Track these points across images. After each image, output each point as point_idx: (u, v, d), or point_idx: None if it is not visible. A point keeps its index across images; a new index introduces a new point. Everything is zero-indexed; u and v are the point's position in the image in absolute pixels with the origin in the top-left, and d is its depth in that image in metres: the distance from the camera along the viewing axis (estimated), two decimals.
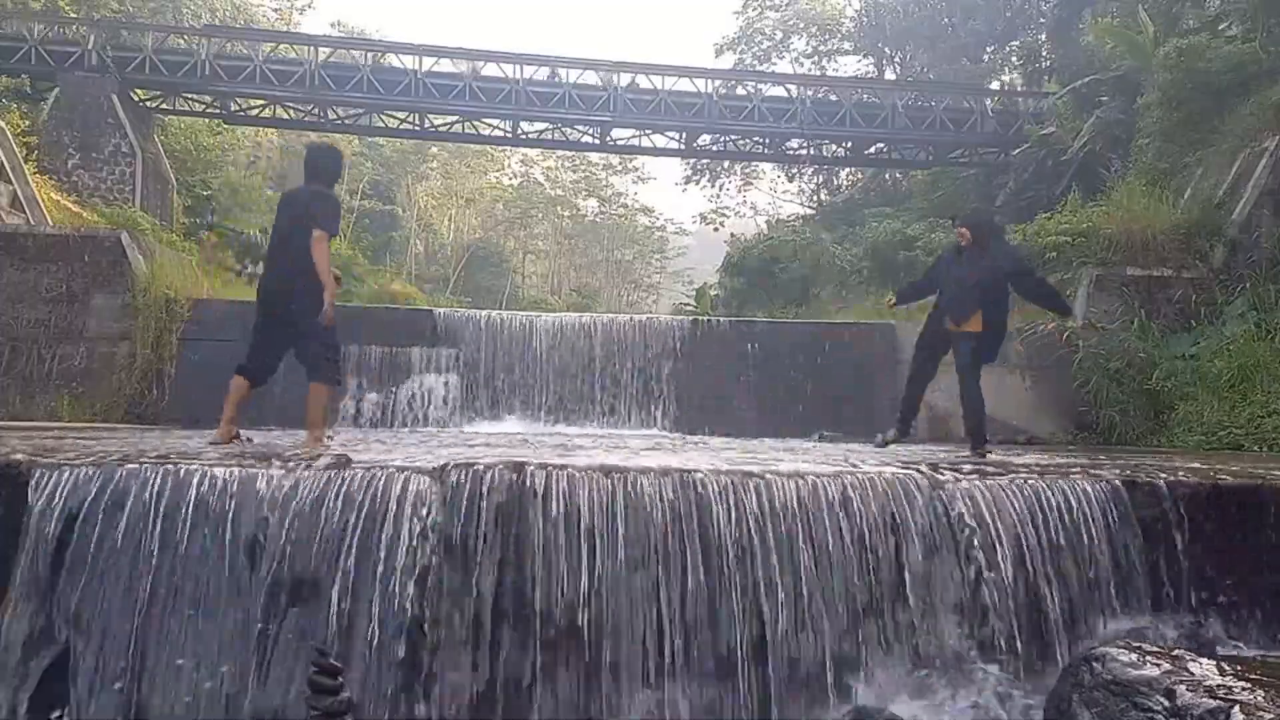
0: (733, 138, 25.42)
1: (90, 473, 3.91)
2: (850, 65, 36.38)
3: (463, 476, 4.01)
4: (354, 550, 3.81)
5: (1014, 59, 28.83)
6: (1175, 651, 3.76)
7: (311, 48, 22.53)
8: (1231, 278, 12.41)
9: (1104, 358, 11.41)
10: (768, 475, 4.25)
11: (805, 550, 4.08)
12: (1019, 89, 26.41)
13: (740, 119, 23.33)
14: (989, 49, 29.91)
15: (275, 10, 37.83)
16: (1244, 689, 3.26)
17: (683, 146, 26.07)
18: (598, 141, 25.98)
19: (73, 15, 23.23)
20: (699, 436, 10.75)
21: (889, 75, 33.21)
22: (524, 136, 26.03)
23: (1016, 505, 4.39)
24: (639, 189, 61.79)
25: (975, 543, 4.25)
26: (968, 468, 4.89)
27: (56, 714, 3.61)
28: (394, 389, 11.91)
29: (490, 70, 22.72)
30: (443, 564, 3.85)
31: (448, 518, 3.90)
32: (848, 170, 34.38)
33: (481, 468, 4.05)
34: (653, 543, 3.96)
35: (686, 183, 38.49)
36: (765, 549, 4.02)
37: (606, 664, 3.80)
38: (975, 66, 29.61)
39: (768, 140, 25.03)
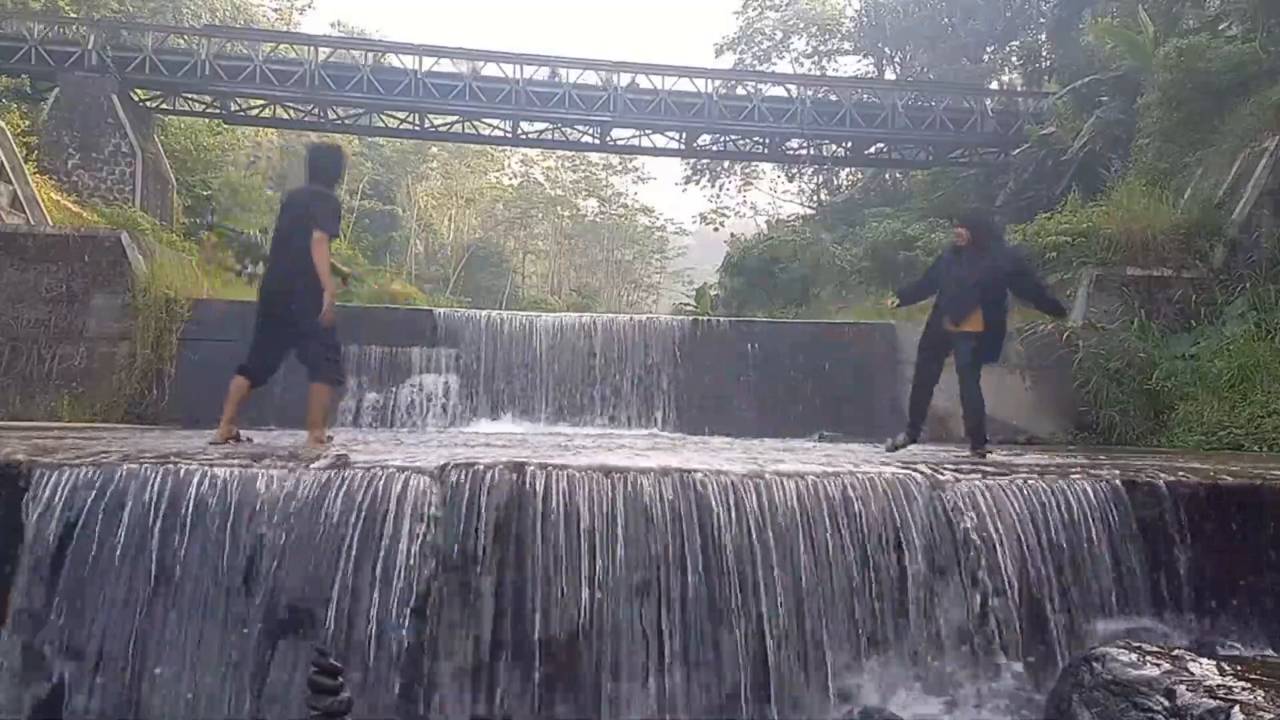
0: (733, 138, 25.42)
1: (90, 473, 3.91)
2: (850, 65, 36.42)
3: (463, 476, 4.01)
4: (354, 550, 3.81)
5: (1014, 59, 28.82)
6: (1175, 651, 3.77)
7: (311, 48, 22.52)
8: (1231, 278, 12.41)
9: (1104, 358, 11.41)
10: (768, 475, 4.25)
11: (805, 550, 4.08)
12: (1019, 89, 26.40)
13: (740, 119, 23.33)
14: (989, 49, 29.90)
15: (275, 10, 37.83)
16: (1244, 689, 3.26)
17: (683, 146, 26.07)
18: (598, 141, 25.98)
19: (73, 15, 23.23)
20: (699, 437, 10.75)
21: (889, 75, 33.21)
22: (524, 136, 26.03)
23: (1016, 505, 4.39)
24: (639, 189, 61.82)
25: (975, 543, 4.25)
26: (968, 468, 4.89)
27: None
28: (394, 389, 11.91)
29: (490, 70, 22.72)
30: (442, 564, 3.85)
31: (448, 518, 3.91)
32: (848, 170, 34.36)
33: (481, 468, 4.05)
34: (652, 543, 3.96)
35: (686, 183, 38.51)
36: (765, 549, 4.03)
37: (607, 663, 3.80)
38: (975, 66, 29.61)
39: (768, 140, 25.02)
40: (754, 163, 35.05)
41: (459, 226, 47.29)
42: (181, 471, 3.93)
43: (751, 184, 40.41)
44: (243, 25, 30.54)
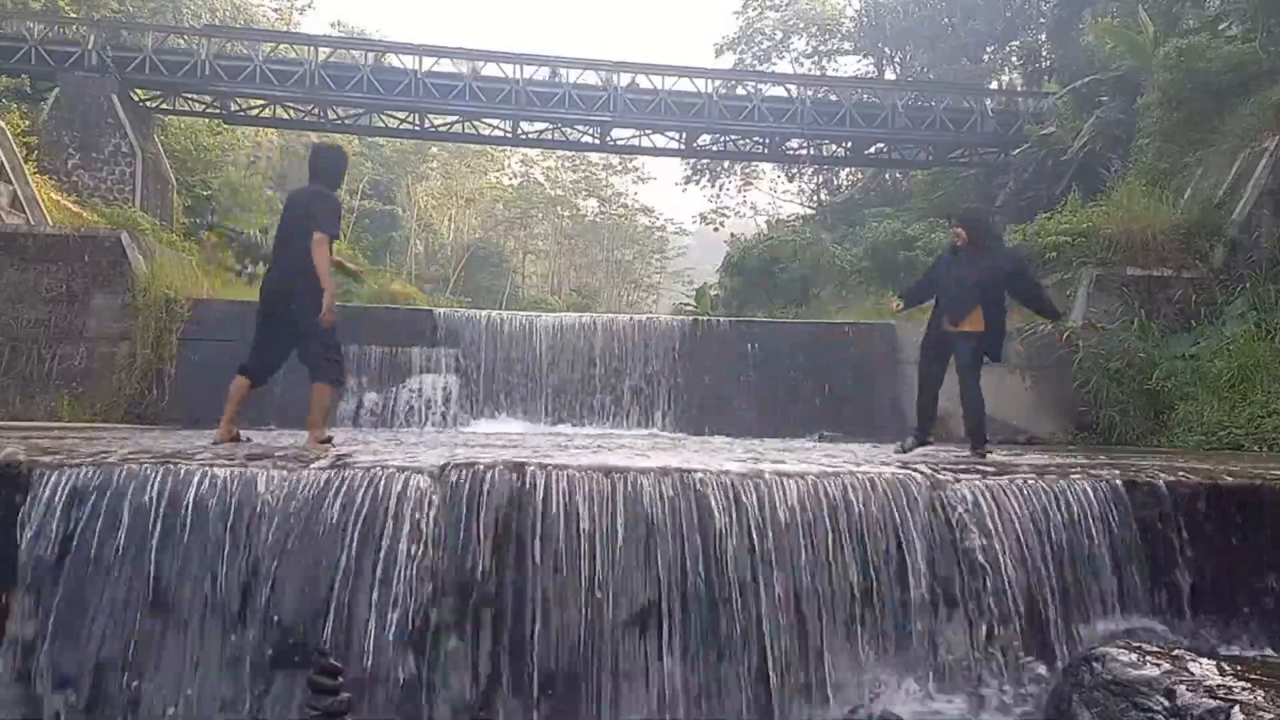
0: (733, 138, 25.42)
1: (90, 473, 3.91)
2: (850, 65, 36.43)
3: (463, 476, 4.01)
4: (354, 550, 3.81)
5: (1014, 59, 28.83)
6: (1175, 651, 3.77)
7: (311, 48, 22.53)
8: (1231, 278, 12.41)
9: (1104, 358, 11.41)
10: (767, 475, 4.25)
11: (805, 550, 4.08)
12: (1019, 89, 26.40)
13: (740, 119, 23.33)
14: (989, 49, 29.91)
15: (275, 10, 37.83)
16: (1244, 689, 3.26)
17: (683, 146, 26.07)
18: (598, 141, 25.98)
19: (73, 15, 23.22)
20: (699, 437, 10.75)
21: (889, 75, 33.21)
22: (524, 136, 26.03)
23: (1016, 506, 4.39)
24: (639, 189, 61.75)
25: (975, 543, 4.25)
26: (968, 468, 4.89)
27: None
28: (394, 389, 11.92)
29: (490, 70, 22.72)
30: (442, 564, 3.85)
31: (448, 518, 3.91)
32: (848, 170, 34.37)
33: (481, 468, 4.05)
34: (652, 543, 3.96)
35: (686, 183, 38.52)
36: (765, 549, 4.02)
37: (607, 663, 3.80)
38: (975, 66, 29.61)
39: (768, 140, 25.02)
40: (754, 163, 35.04)
41: (459, 226, 47.28)
42: (181, 471, 3.93)
43: (751, 184, 40.45)
44: (243, 25, 30.54)
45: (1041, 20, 27.04)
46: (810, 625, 3.98)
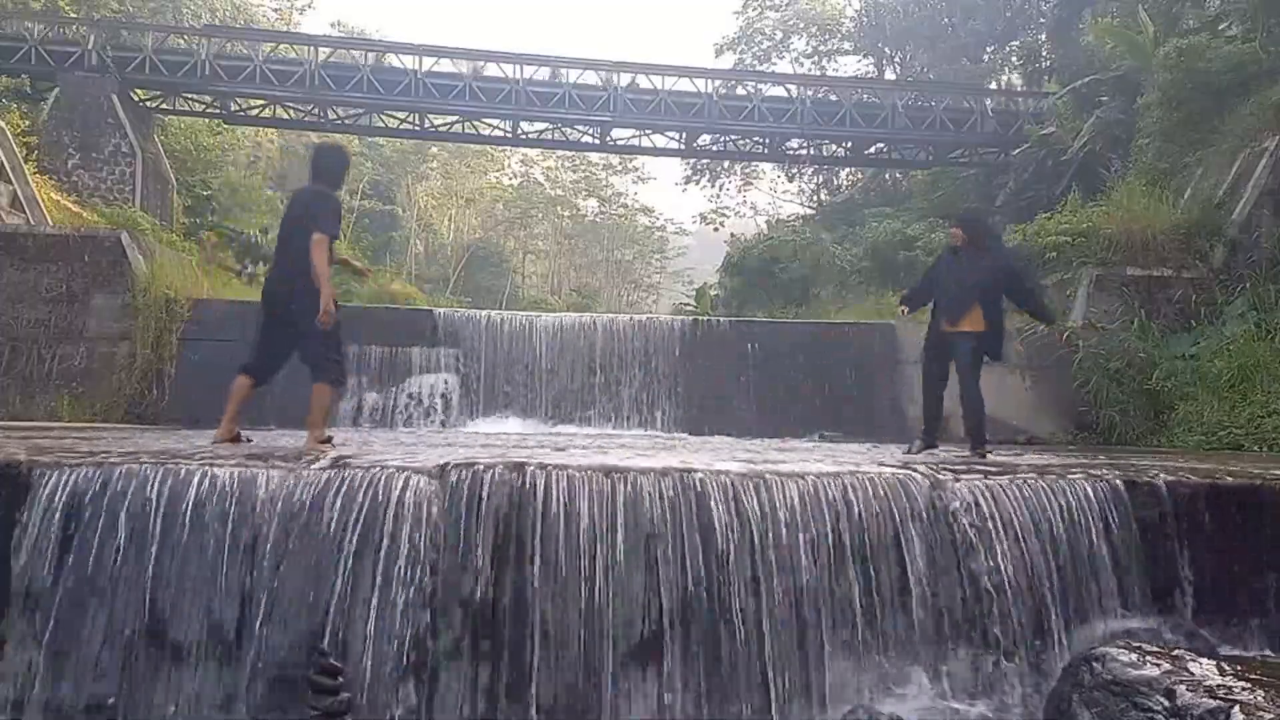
0: (733, 138, 25.42)
1: (90, 473, 3.91)
2: (850, 65, 36.43)
3: (463, 476, 4.01)
4: (354, 550, 3.81)
5: (1014, 59, 28.83)
6: (1175, 651, 3.77)
7: (311, 48, 22.53)
8: (1231, 278, 12.41)
9: (1104, 358, 11.42)
10: (768, 475, 4.25)
11: (805, 550, 4.08)
12: (1019, 89, 26.40)
13: (740, 119, 23.33)
14: (989, 49, 29.91)
15: (275, 10, 37.83)
16: (1244, 689, 3.26)
17: (683, 146, 26.07)
18: (598, 141, 25.98)
19: (73, 15, 23.23)
20: (699, 437, 10.75)
21: (889, 75, 33.21)
22: (524, 136, 26.03)
23: (1016, 505, 4.39)
24: (639, 189, 61.76)
25: (975, 543, 4.25)
26: (967, 468, 4.89)
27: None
28: (394, 389, 11.92)
29: (490, 70, 22.72)
30: (442, 564, 3.85)
31: (448, 518, 3.90)
32: (848, 170, 34.37)
33: (481, 468, 4.05)
34: (652, 542, 3.96)
35: (686, 183, 38.52)
36: (765, 548, 4.02)
37: (606, 663, 3.80)
38: (975, 66, 29.61)
39: (768, 140, 25.02)
40: (754, 163, 35.04)
41: (459, 226, 47.29)
42: (181, 471, 3.93)
43: (751, 184, 40.46)
44: (243, 25, 30.54)
45: (1041, 20, 27.04)
46: (810, 624, 3.98)
